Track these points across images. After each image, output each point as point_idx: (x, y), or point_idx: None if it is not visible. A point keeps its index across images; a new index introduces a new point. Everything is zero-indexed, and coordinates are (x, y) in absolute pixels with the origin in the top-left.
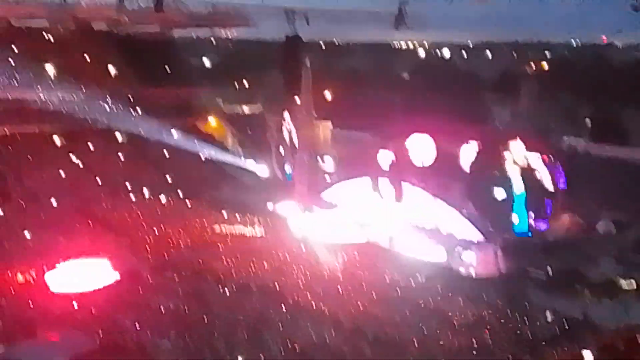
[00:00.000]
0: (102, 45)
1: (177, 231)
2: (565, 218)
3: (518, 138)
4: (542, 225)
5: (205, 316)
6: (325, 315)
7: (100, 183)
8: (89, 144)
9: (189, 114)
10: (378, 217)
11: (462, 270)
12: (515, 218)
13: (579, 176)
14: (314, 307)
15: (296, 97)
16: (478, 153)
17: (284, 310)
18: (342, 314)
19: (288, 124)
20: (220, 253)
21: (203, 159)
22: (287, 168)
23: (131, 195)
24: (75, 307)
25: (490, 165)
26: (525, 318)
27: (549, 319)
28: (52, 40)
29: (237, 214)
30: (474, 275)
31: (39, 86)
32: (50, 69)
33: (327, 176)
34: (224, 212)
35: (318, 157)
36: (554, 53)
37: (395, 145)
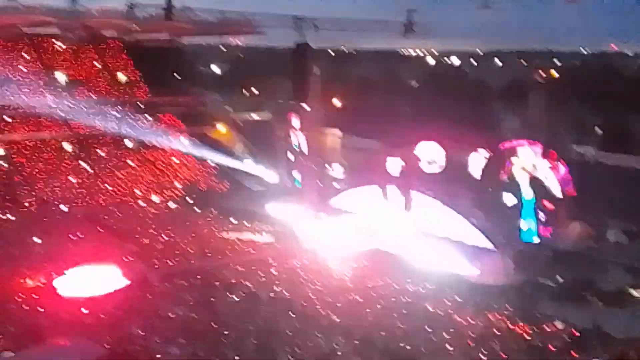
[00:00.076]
0: (112, 52)
1: (186, 238)
2: (575, 227)
3: (527, 146)
4: (552, 234)
5: (213, 324)
6: (335, 324)
7: (109, 190)
8: (99, 150)
9: (198, 121)
10: (387, 225)
11: (471, 278)
12: (524, 226)
13: (589, 185)
14: (323, 315)
15: (305, 105)
16: (487, 161)
17: (293, 316)
18: (352, 323)
19: (297, 131)
20: (229, 260)
21: (212, 166)
22: (296, 175)
23: (140, 202)
24: (85, 313)
25: (499, 173)
26: (535, 327)
27: (559, 328)
28: (62, 47)
29: (245, 221)
30: (483, 283)
31: (49, 93)
32: (60, 76)
33: (335, 183)
34: (232, 219)
35: (326, 165)
36: (564, 61)
37: (404, 153)
